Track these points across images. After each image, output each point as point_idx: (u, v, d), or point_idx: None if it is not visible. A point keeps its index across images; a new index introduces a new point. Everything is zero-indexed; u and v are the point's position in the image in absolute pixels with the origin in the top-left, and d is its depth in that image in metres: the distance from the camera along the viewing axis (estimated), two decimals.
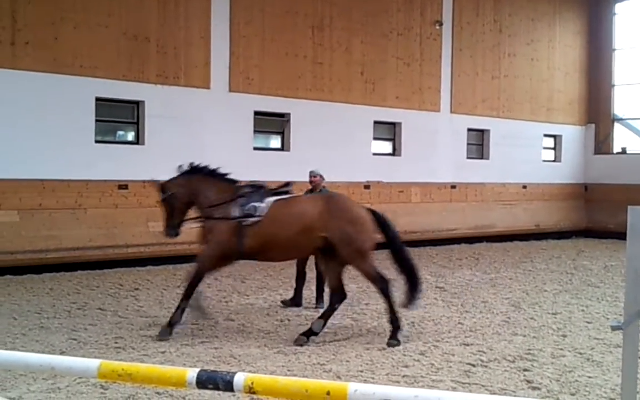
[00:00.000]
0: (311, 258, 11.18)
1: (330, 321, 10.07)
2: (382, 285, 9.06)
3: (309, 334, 8.98)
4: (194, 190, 9.48)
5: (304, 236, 9.03)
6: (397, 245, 9.34)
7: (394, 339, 8.89)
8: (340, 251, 8.98)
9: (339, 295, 9.30)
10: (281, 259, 10.46)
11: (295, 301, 11.38)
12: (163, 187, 9.65)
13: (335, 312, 10.60)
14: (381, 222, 9.30)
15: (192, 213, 9.65)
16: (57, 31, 14.65)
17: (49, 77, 14.55)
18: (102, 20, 15.23)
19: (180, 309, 9.19)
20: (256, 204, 9.13)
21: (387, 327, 9.34)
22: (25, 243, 14.09)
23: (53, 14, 14.60)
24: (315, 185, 11.43)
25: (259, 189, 9.42)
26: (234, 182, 9.69)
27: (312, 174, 11.45)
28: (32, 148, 14.36)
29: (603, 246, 21.63)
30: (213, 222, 9.24)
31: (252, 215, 9.08)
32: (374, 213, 9.34)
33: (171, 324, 9.13)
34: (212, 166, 9.75)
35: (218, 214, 9.25)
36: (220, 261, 9.40)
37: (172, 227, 9.58)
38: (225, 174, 9.71)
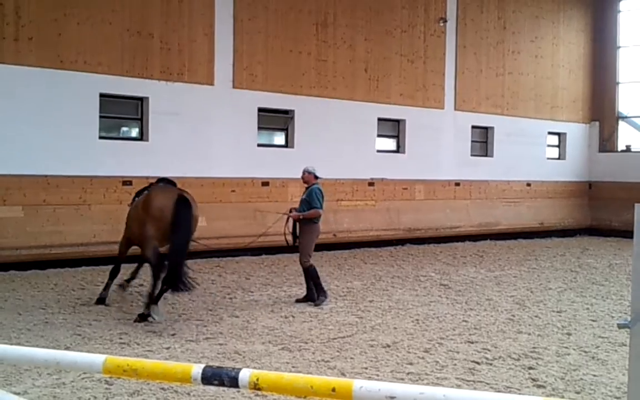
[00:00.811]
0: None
1: (335, 318, 10.09)
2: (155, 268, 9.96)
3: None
4: None
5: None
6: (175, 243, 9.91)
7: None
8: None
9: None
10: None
11: (308, 297, 11.37)
12: None
13: (340, 309, 10.63)
14: (178, 216, 9.91)
15: None
16: (61, 27, 14.65)
17: (53, 73, 14.55)
18: (106, 16, 15.23)
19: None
20: None
21: (391, 323, 9.34)
22: (30, 239, 14.11)
23: (57, 10, 14.60)
24: (305, 181, 11.59)
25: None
26: None
27: (303, 171, 11.63)
28: (36, 144, 14.37)
29: (607, 244, 21.59)
30: None
31: None
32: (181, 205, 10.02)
33: None
34: None
35: None
36: None
37: None
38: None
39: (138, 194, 11.16)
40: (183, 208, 9.96)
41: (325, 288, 11.54)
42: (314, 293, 11.30)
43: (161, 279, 9.77)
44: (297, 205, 11.68)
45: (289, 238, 11.63)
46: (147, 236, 10.07)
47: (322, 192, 11.47)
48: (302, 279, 11.70)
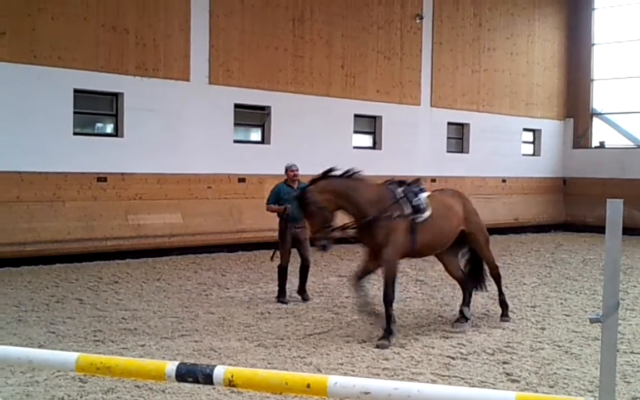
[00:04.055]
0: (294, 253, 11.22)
1: (311, 314, 10.10)
2: (499, 270, 10.22)
3: (461, 317, 9.76)
4: (343, 194, 8.87)
5: (455, 230, 9.61)
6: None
7: (505, 316, 10.04)
8: (476, 241, 9.89)
9: (472, 282, 10.08)
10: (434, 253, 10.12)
11: (282, 296, 11.27)
12: (305, 196, 8.88)
13: (316, 305, 10.64)
14: None
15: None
16: (35, 22, 14.49)
17: (27, 69, 14.39)
18: (80, 11, 15.09)
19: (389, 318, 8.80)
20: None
21: (367, 319, 9.36)
22: (3, 236, 13.95)
23: (30, 5, 14.43)
24: (294, 178, 11.31)
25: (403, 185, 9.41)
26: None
27: (293, 168, 11.31)
28: (9, 140, 14.21)
29: (581, 240, 21.80)
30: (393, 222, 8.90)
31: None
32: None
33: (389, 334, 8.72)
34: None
35: (393, 212, 8.90)
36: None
37: (326, 237, 8.85)
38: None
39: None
40: None
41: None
42: (285, 291, 11.30)
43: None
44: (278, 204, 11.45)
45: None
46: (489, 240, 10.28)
47: None
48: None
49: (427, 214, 9.03)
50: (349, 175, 8.98)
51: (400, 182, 9.35)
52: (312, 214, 8.82)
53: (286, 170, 11.35)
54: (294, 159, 12.03)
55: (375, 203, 8.85)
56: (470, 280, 10.07)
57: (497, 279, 10.16)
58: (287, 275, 11.35)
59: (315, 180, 8.93)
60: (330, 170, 8.99)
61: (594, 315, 3.18)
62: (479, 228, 10.00)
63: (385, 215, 8.77)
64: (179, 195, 16.50)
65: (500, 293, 10.15)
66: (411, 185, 9.31)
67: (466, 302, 9.87)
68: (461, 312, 9.79)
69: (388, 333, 8.63)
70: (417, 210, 8.99)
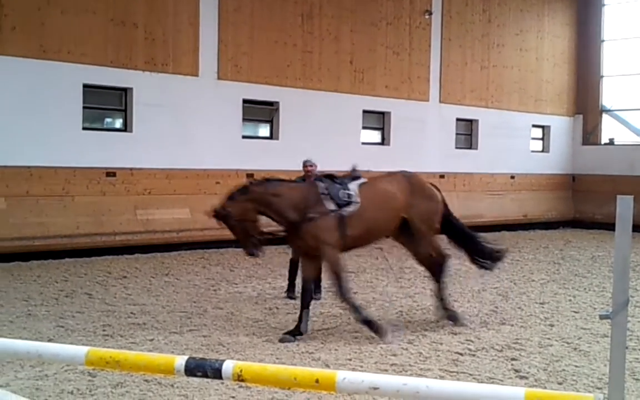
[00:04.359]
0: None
1: (319, 310, 10.11)
2: (447, 259, 9.70)
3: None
4: (265, 202, 8.79)
5: (393, 218, 9.21)
6: (455, 219, 9.96)
7: (455, 320, 9.40)
8: (418, 228, 9.31)
9: (436, 267, 9.64)
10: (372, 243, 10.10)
11: (292, 291, 11.22)
12: (224, 213, 8.73)
13: (324, 301, 10.64)
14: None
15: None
16: (44, 17, 14.52)
17: (36, 63, 14.44)
18: (89, 5, 15.12)
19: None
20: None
21: (375, 315, 9.36)
22: (13, 230, 14.00)
23: (40, 0, 14.48)
24: (310, 174, 11.24)
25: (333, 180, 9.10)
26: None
27: (308, 163, 11.22)
28: (19, 135, 14.25)
29: (590, 236, 21.73)
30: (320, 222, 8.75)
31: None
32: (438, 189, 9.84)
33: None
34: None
35: (316, 212, 8.75)
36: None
37: (254, 245, 8.87)
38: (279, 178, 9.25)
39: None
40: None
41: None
42: (295, 286, 11.23)
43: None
44: None
45: None
46: (436, 230, 9.70)
47: None
48: (287, 271, 11.61)
49: (353, 207, 8.81)
50: (271, 180, 8.95)
51: (329, 176, 9.12)
52: (232, 228, 8.75)
53: (303, 165, 11.31)
54: (303, 155, 12.00)
55: (297, 206, 8.71)
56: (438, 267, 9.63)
57: (444, 272, 9.58)
58: (297, 270, 11.28)
59: (237, 192, 8.76)
60: (259, 180, 9.03)
61: (604, 311, 3.18)
62: (422, 215, 9.29)
63: (308, 216, 8.64)
64: (188, 191, 16.52)
65: (438, 284, 9.57)
66: (340, 179, 9.05)
67: (439, 295, 9.54)
68: (446, 311, 9.48)
69: (369, 323, 8.62)
70: (342, 204, 8.80)
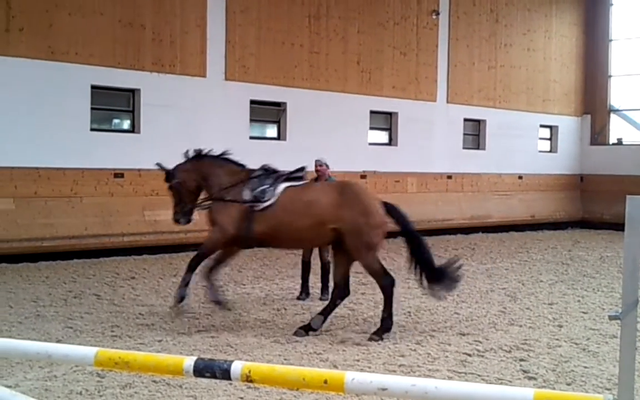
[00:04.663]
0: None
1: None
2: (386, 282, 8.75)
3: (308, 329, 8.77)
4: (204, 175, 9.35)
5: (315, 227, 8.76)
6: (413, 237, 8.97)
7: (376, 335, 8.59)
8: (349, 243, 8.69)
9: (342, 290, 9.03)
10: (291, 248, 10.20)
11: (304, 292, 11.21)
12: (170, 173, 9.50)
13: None
14: (395, 213, 8.96)
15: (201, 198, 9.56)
16: (52, 18, 14.57)
17: (44, 65, 14.48)
18: (97, 7, 15.16)
19: (184, 282, 9.16)
20: (266, 189, 8.93)
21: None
22: (21, 231, 14.06)
23: (48, 1, 14.51)
24: (321, 174, 11.24)
25: (271, 174, 9.16)
26: (243, 166, 9.52)
27: (318, 163, 11.17)
28: (27, 136, 14.30)
29: (598, 237, 21.66)
30: (222, 205, 9.06)
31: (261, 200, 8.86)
32: (386, 204, 8.95)
33: (180, 299, 9.14)
34: (218, 152, 9.63)
35: (229, 197, 9.05)
36: (226, 245, 9.16)
37: (183, 213, 9.46)
38: (235, 160, 9.58)
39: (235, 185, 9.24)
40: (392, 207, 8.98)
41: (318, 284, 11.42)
42: (309, 288, 11.21)
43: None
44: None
45: None
46: (373, 245, 8.79)
47: None
48: (295, 272, 11.65)
49: (266, 204, 8.82)
50: (222, 157, 9.47)
51: (268, 170, 9.21)
52: (172, 189, 9.48)
53: (314, 164, 11.32)
54: (310, 155, 12.00)
55: (221, 186, 9.11)
56: (338, 288, 9.04)
57: (385, 291, 8.76)
58: (309, 270, 11.26)
59: (190, 159, 9.50)
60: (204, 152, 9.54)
61: (613, 312, 3.17)
62: (352, 229, 8.62)
63: (221, 197, 9.04)
64: None
65: (385, 308, 8.74)
66: (279, 175, 9.11)
67: (325, 311, 8.97)
68: (309, 325, 8.83)
69: (180, 296, 9.07)
70: (257, 199, 8.85)
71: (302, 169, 9.40)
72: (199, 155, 9.51)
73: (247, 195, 8.92)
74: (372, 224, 8.68)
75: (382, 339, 8.52)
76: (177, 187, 9.42)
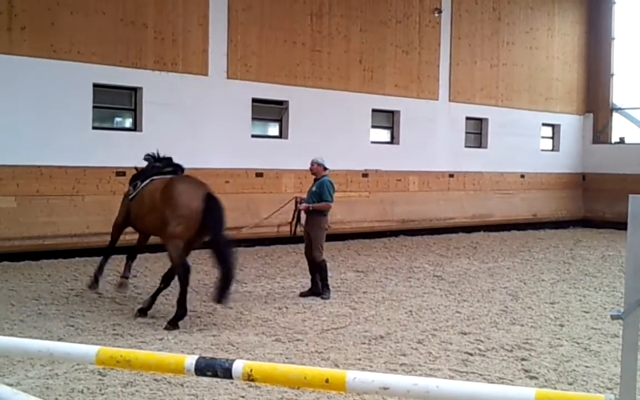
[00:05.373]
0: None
1: (328, 309, 10.10)
2: (179, 270, 9.19)
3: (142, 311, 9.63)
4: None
5: (151, 216, 9.76)
6: (218, 241, 9.17)
7: (172, 324, 8.99)
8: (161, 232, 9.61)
9: (167, 278, 9.80)
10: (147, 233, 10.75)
11: (313, 291, 11.21)
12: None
13: (333, 300, 10.63)
14: (211, 214, 9.19)
15: None
16: (54, 17, 14.57)
17: (46, 63, 14.48)
18: (99, 6, 15.15)
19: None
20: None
21: (385, 314, 9.35)
22: (23, 229, 14.06)
23: (50, 0, 14.52)
24: (313, 173, 11.33)
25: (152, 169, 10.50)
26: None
27: (312, 162, 11.34)
28: (29, 134, 14.31)
29: (600, 236, 21.64)
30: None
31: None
32: (209, 202, 9.24)
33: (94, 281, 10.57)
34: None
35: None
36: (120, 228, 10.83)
37: None
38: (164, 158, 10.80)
39: (136, 177, 10.68)
40: (215, 206, 9.31)
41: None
42: (319, 287, 11.18)
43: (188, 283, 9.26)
44: (302, 196, 11.53)
45: (295, 228, 11.35)
46: (174, 235, 9.27)
47: (333, 184, 11.23)
48: (296, 271, 11.66)
49: (132, 194, 10.33)
50: (160, 162, 10.74)
51: (155, 167, 10.59)
52: None
53: None
54: (312, 154, 12.05)
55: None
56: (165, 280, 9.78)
57: (178, 278, 9.22)
58: (313, 267, 11.28)
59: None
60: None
61: (615, 311, 3.16)
62: (162, 220, 9.33)
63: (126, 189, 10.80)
64: None
65: (181, 293, 9.12)
66: (157, 171, 10.40)
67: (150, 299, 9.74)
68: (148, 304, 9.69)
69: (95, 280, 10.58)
70: (134, 189, 10.37)
71: (171, 163, 10.70)
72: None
73: (131, 187, 10.62)
74: (176, 215, 9.26)
75: (177, 326, 8.95)
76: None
